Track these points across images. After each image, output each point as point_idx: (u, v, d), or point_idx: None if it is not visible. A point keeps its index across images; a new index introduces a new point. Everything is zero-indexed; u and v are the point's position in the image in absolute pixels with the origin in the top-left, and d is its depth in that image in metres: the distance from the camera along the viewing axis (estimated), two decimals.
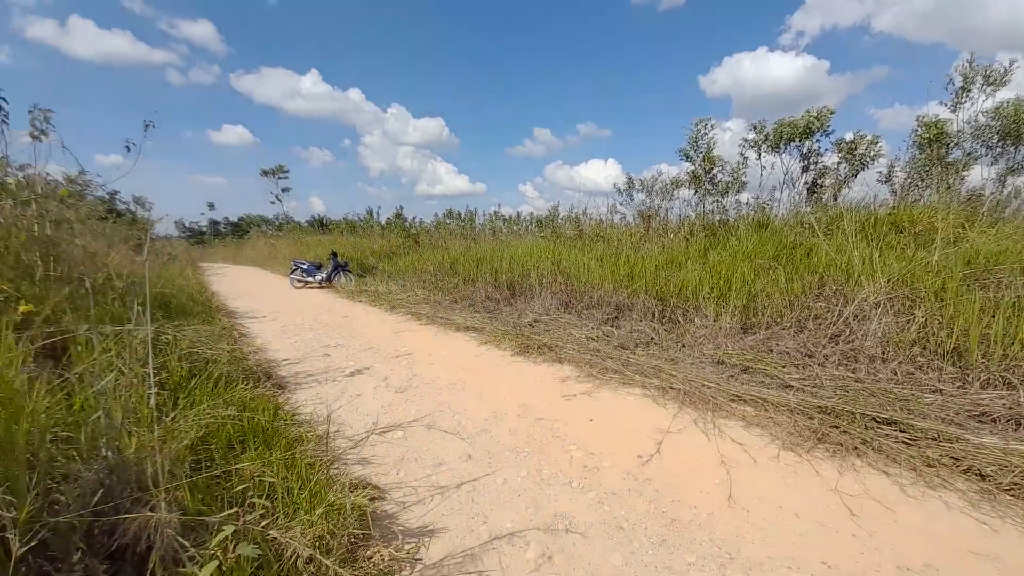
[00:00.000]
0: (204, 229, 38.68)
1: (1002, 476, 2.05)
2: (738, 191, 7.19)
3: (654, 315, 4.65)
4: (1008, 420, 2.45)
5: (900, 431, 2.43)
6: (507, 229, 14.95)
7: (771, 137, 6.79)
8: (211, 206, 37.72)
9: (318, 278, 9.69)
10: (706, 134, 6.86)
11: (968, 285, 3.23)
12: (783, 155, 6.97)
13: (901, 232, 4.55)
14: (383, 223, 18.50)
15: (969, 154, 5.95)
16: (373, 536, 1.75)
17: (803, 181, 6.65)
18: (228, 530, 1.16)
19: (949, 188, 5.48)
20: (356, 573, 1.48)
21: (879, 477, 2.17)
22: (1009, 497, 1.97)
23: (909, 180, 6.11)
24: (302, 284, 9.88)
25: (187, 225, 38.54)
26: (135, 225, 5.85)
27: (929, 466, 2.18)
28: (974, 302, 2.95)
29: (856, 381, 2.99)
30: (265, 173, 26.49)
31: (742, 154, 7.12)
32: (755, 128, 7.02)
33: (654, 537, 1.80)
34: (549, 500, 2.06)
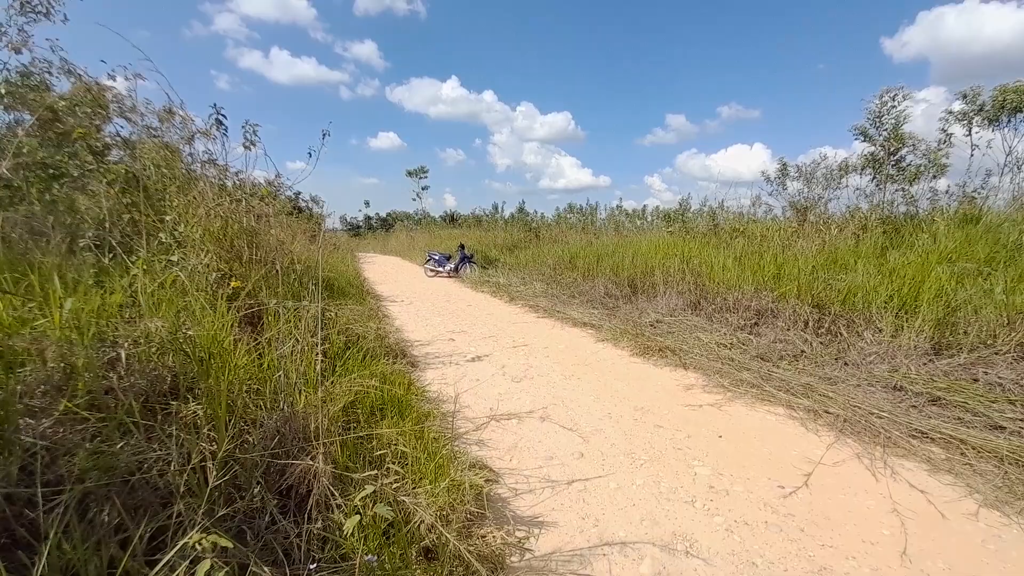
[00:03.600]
0: (360, 223, 45.07)
1: None
2: (935, 176, 5.71)
3: (807, 324, 3.99)
4: None
5: None
6: (630, 224, 14.34)
7: (988, 107, 5.23)
8: (367, 203, 43.74)
9: (447, 268, 10.53)
10: (894, 107, 5.53)
11: None
12: (1005, 130, 5.33)
13: None
14: (506, 217, 19.30)
15: None
16: (487, 516, 1.83)
17: None
18: (369, 489, 1.31)
19: None
20: (470, 548, 1.56)
21: None
22: None
23: None
24: (434, 273, 10.84)
25: (348, 220, 45.35)
26: (311, 219, 7.06)
27: None
28: None
29: None
30: (409, 174, 29.67)
31: (943, 130, 5.62)
32: (965, 97, 5.47)
33: None
34: (667, 516, 1.91)
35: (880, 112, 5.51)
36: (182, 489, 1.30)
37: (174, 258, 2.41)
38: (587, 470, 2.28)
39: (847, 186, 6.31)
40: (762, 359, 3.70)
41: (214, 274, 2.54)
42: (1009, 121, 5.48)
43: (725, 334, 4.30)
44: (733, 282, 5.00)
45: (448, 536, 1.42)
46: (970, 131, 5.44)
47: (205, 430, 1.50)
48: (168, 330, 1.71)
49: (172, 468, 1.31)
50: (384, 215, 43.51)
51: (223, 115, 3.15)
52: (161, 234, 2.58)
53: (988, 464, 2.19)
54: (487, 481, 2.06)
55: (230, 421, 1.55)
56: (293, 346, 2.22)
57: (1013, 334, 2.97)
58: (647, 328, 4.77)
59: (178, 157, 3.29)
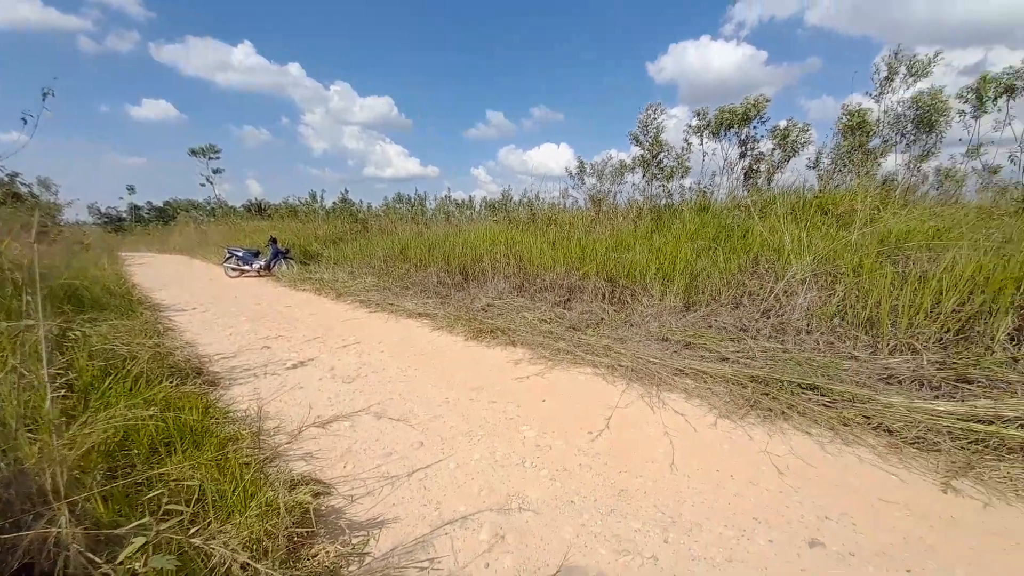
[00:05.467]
0: (124, 215, 35.12)
1: (907, 431, 2.29)
2: (682, 176, 7.47)
3: (604, 296, 4.77)
4: (912, 381, 2.74)
5: (821, 395, 2.65)
6: (459, 214, 14.73)
7: (712, 123, 7.08)
8: (131, 189, 34.28)
9: (256, 266, 9.10)
10: (656, 119, 7.05)
11: (881, 261, 3.55)
12: (723, 141, 7.31)
13: (826, 214, 4.91)
14: (328, 207, 17.63)
15: (886, 142, 6.51)
16: (317, 533, 1.68)
17: (740, 166, 7.02)
18: (139, 542, 1.05)
19: (868, 173, 5.97)
20: (297, 573, 1.41)
21: (802, 437, 2.36)
22: (913, 450, 2.20)
23: (833, 166, 6.60)
24: (238, 273, 9.23)
25: (103, 211, 34.86)
26: (37, 210, 5.17)
27: (844, 425, 2.40)
28: (886, 277, 3.25)
29: (784, 352, 3.23)
30: (194, 153, 24.31)
31: (686, 140, 7.39)
32: (698, 115, 7.30)
33: (603, 508, 1.86)
34: (502, 481, 2.06)
35: (646, 123, 6.93)
36: None
37: None
38: (427, 457, 2.29)
39: (628, 182, 7.74)
40: (574, 329, 4.27)
41: None
42: (725, 134, 7.48)
43: (545, 311, 4.82)
44: (549, 264, 5.61)
45: (261, 569, 1.25)
46: (702, 141, 7.28)
47: None
48: None
49: None
50: (160, 204, 34.96)
51: None
52: None
53: (720, 386, 2.99)
54: (316, 495, 1.88)
55: None
56: (12, 382, 1.62)
57: (730, 291, 4.11)
58: (479, 312, 5.01)
59: None
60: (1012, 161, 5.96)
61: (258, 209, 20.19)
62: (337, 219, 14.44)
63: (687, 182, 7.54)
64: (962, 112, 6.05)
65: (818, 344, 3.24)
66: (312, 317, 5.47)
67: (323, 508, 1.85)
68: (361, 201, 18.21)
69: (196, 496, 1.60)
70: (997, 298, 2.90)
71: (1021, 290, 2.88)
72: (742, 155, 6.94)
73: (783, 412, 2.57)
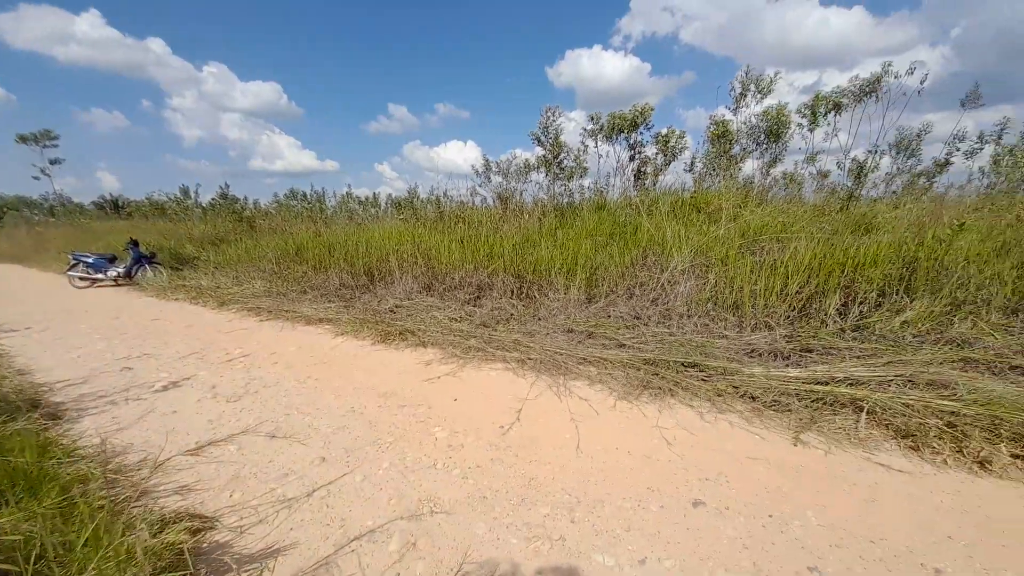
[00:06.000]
0: None
1: (766, 397, 2.68)
2: (581, 176, 7.92)
3: (513, 292, 4.87)
4: (769, 353, 3.22)
5: (700, 371, 3.00)
6: (363, 211, 14.00)
7: (605, 128, 7.61)
8: None
9: (112, 274, 7.73)
10: (554, 121, 7.37)
11: (742, 252, 4.11)
12: (615, 145, 7.89)
13: (699, 212, 5.56)
14: (205, 204, 15.59)
15: (744, 149, 7.56)
16: (197, 574, 1.48)
17: (630, 168, 7.65)
18: None
19: (731, 177, 6.88)
20: None
21: (686, 410, 2.65)
22: (771, 412, 2.59)
23: (705, 170, 7.50)
24: (88, 283, 7.77)
25: None
26: None
27: (719, 396, 2.74)
28: (746, 265, 3.77)
29: (670, 335, 3.59)
30: (23, 140, 19.80)
31: (583, 142, 7.85)
32: (592, 119, 7.78)
33: (514, 499, 1.90)
34: (412, 487, 2.01)
35: (546, 124, 7.23)
36: None
37: None
38: (330, 473, 2.14)
39: (532, 181, 8.00)
40: (484, 326, 4.31)
41: None
42: (616, 138, 8.07)
43: (455, 309, 4.79)
44: (458, 263, 5.58)
45: None
46: (596, 144, 7.79)
47: None
48: None
49: None
50: None
51: None
52: None
53: (618, 371, 3.23)
54: (195, 532, 1.66)
55: None
56: None
57: (625, 282, 4.45)
58: (387, 314, 4.81)
59: None
60: (839, 167, 7.33)
61: (114, 206, 17.15)
62: (217, 217, 12.84)
63: (586, 182, 8.03)
64: (800, 125, 7.29)
65: (696, 326, 3.66)
66: (188, 330, 4.79)
67: (205, 545, 1.64)
68: (246, 197, 16.42)
69: (36, 552, 1.31)
70: (828, 280, 3.54)
71: (845, 273, 3.55)
72: (631, 158, 7.59)
73: (670, 389, 2.86)
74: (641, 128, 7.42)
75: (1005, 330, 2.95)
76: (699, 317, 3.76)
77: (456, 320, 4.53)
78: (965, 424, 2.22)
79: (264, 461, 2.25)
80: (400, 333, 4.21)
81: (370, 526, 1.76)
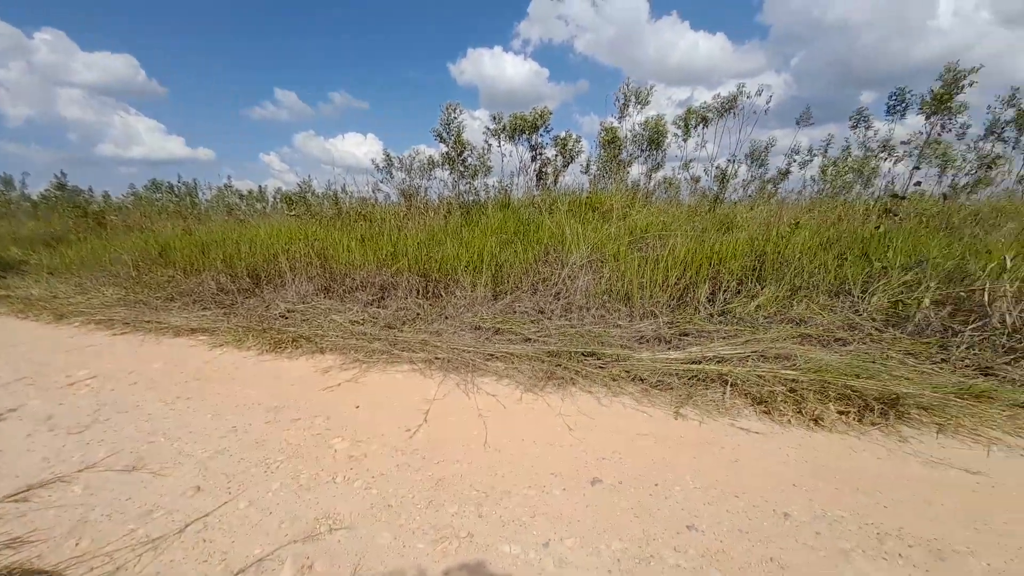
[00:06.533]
0: None
1: (652, 378, 2.97)
2: (486, 175, 7.99)
3: (419, 291, 4.76)
4: (655, 339, 3.56)
5: (597, 359, 3.22)
6: (247, 207, 12.59)
7: (507, 128, 7.78)
8: None
9: None
10: (455, 118, 7.32)
11: (631, 248, 4.50)
12: (518, 145, 8.10)
13: (595, 211, 5.96)
14: (35, 197, 12.76)
15: (631, 155, 8.26)
16: None
17: (532, 169, 7.92)
18: None
19: (620, 180, 7.48)
20: None
21: (586, 396, 2.83)
22: (657, 391, 2.87)
23: (599, 172, 8.06)
24: None
25: None
26: None
27: (614, 380, 2.97)
28: (634, 260, 4.13)
29: (572, 327, 3.80)
30: None
31: (486, 141, 7.93)
32: (495, 119, 7.90)
33: (421, 502, 1.86)
34: (308, 506, 1.86)
35: (447, 121, 7.16)
36: None
37: None
38: (207, 503, 1.89)
39: (437, 178, 7.88)
40: (389, 327, 4.14)
41: None
42: (518, 139, 8.28)
43: (357, 311, 4.53)
44: (359, 262, 5.29)
45: None
46: (500, 143, 7.92)
47: None
48: None
49: None
50: None
51: None
52: None
53: (524, 364, 3.33)
54: None
55: None
56: None
57: (529, 278, 4.61)
58: (277, 320, 4.39)
59: None
60: (706, 173, 8.38)
61: None
62: (53, 213, 10.61)
63: (491, 180, 8.13)
64: (676, 135, 8.19)
65: (594, 318, 3.92)
66: (11, 350, 3.88)
67: None
68: (92, 189, 13.83)
69: None
70: (699, 272, 4.02)
71: (712, 265, 4.06)
72: (533, 159, 7.86)
73: (571, 378, 3.03)
74: (541, 131, 7.72)
75: (830, 310, 3.63)
76: (596, 309, 4.04)
77: (358, 323, 4.30)
78: (803, 389, 2.69)
79: (120, 499, 1.91)
80: (293, 340, 3.87)
81: (258, 555, 1.60)
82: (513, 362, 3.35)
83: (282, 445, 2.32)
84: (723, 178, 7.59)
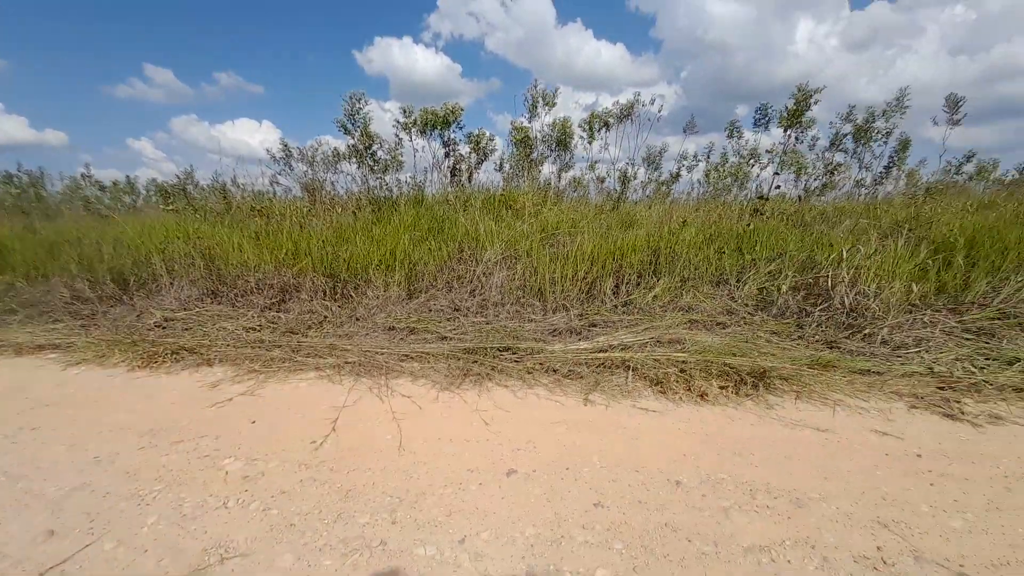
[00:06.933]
0: None
1: (564, 368, 3.11)
2: (397, 170, 7.72)
3: (325, 293, 4.46)
4: (567, 331, 3.73)
5: (512, 353, 3.30)
6: (112, 200, 10.81)
7: (418, 122, 7.59)
8: None
9: None
10: (361, 108, 6.95)
11: (543, 244, 4.66)
12: (430, 140, 7.95)
13: (509, 208, 6.07)
14: None
15: (542, 154, 8.54)
16: None
17: (446, 165, 7.82)
18: None
19: (533, 179, 7.70)
20: None
21: (502, 391, 2.88)
22: (568, 380, 3.01)
23: (512, 171, 8.22)
24: None
25: None
26: None
27: (528, 373, 3.07)
28: (546, 256, 4.29)
29: (487, 323, 3.84)
30: None
31: (396, 135, 7.65)
32: (405, 112, 7.66)
33: (329, 517, 1.75)
34: (194, 537, 1.65)
35: (352, 111, 6.79)
36: None
37: None
38: (64, 549, 1.60)
39: (343, 171, 7.43)
40: (292, 332, 3.83)
41: None
42: (430, 134, 8.12)
43: (253, 317, 4.13)
44: (254, 262, 4.82)
45: None
46: (411, 138, 7.70)
47: None
48: None
49: None
50: None
51: None
52: None
53: (441, 363, 3.29)
54: None
55: None
56: None
57: (444, 276, 4.55)
58: (151, 331, 3.83)
59: None
60: (609, 174, 8.97)
61: None
62: None
63: (403, 176, 7.88)
64: (582, 137, 8.65)
65: (509, 313, 4.00)
66: None
67: None
68: None
69: None
70: (604, 266, 4.29)
71: (615, 260, 4.36)
72: (447, 155, 7.77)
73: (488, 374, 3.06)
74: (453, 127, 7.65)
75: (712, 298, 4.10)
76: (511, 304, 4.12)
77: (254, 329, 3.91)
78: (691, 369, 3.00)
79: None
80: (173, 352, 3.41)
81: None
82: (429, 361, 3.29)
83: (160, 473, 2.04)
84: (624, 179, 8.18)
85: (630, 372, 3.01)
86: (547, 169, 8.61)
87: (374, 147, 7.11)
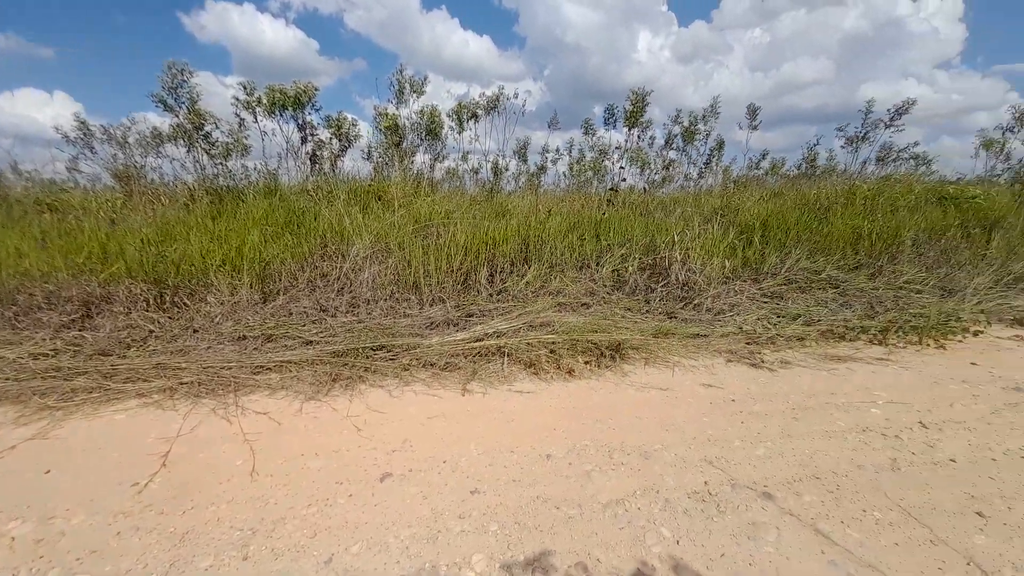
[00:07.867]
0: None
1: (441, 361, 3.08)
2: (242, 155, 6.72)
3: (149, 303, 3.70)
4: (444, 323, 3.69)
5: (388, 351, 3.15)
6: None
7: (264, 102, 6.69)
8: None
9: None
10: (186, 81, 5.82)
11: (416, 236, 4.53)
12: (281, 123, 7.08)
13: (379, 199, 5.75)
14: None
15: (412, 143, 8.27)
16: None
17: (304, 151, 7.07)
18: None
19: (405, 168, 7.41)
20: None
21: (377, 391, 2.74)
22: (446, 372, 2.98)
23: (382, 159, 7.80)
24: None
25: None
26: None
27: (405, 370, 2.97)
28: (419, 248, 4.18)
29: (359, 322, 3.61)
30: None
31: (237, 114, 6.65)
32: (245, 88, 6.67)
33: (157, 570, 1.47)
34: None
35: (174, 84, 5.67)
36: None
37: None
38: None
39: (168, 156, 6.21)
40: (104, 354, 3.11)
41: None
42: (281, 115, 7.23)
43: (43, 341, 3.24)
44: (43, 269, 3.78)
45: None
46: (256, 119, 6.76)
47: None
48: None
49: None
50: None
51: None
52: None
53: (305, 371, 2.98)
54: None
55: None
56: None
57: (306, 274, 4.13)
58: None
59: None
60: (481, 165, 9.11)
61: None
62: None
63: (251, 163, 6.90)
64: (452, 127, 8.60)
65: (383, 310, 3.82)
66: None
67: None
68: None
69: None
70: (479, 256, 4.35)
71: (488, 249, 4.44)
72: (303, 140, 7.02)
73: (360, 376, 2.88)
74: (308, 108, 6.92)
75: (577, 281, 4.45)
76: (385, 300, 3.93)
77: (47, 355, 3.08)
78: (559, 348, 3.22)
79: None
80: None
81: None
82: (291, 371, 2.97)
83: None
84: (496, 170, 8.38)
85: (506, 358, 3.12)
86: (420, 159, 8.38)
87: (207, 128, 6.05)
